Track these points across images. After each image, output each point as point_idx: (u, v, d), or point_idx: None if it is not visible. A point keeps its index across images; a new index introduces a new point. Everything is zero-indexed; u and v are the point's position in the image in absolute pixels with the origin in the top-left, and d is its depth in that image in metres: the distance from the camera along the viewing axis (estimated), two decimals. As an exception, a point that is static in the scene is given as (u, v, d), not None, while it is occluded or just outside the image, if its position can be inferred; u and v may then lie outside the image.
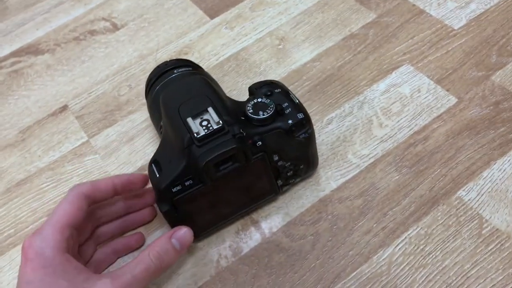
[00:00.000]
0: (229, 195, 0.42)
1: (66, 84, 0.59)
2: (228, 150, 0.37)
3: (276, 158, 0.41)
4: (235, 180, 0.40)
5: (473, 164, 0.46)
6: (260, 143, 0.39)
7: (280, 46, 0.58)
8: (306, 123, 0.41)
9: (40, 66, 0.62)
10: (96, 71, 0.60)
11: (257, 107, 0.40)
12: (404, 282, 0.40)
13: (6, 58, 0.64)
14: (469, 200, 0.44)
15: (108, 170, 0.50)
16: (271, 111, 0.40)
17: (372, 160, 0.47)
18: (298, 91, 0.53)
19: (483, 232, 0.42)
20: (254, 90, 0.42)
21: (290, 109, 0.41)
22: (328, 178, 0.47)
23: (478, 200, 0.43)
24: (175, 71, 0.47)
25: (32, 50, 0.64)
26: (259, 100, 0.41)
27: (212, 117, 0.38)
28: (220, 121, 0.37)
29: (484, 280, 0.39)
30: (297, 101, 0.42)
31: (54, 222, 0.36)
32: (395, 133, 0.49)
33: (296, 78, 0.55)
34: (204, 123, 0.38)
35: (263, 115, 0.40)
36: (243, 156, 0.38)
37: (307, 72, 0.55)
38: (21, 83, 0.61)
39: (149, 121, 0.54)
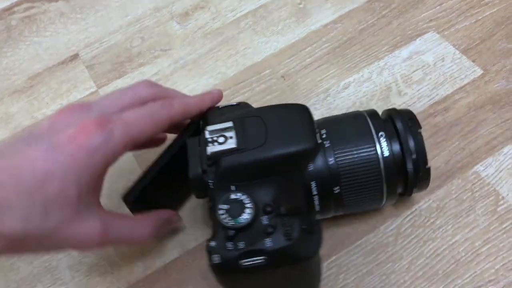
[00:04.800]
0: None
1: (78, 33, 0.58)
2: (188, 170, 0.33)
3: None
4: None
5: (494, 139, 0.43)
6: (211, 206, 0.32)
7: (301, 5, 0.56)
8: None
9: (54, 13, 0.61)
10: (110, 21, 0.58)
11: (231, 202, 0.30)
12: (411, 254, 0.38)
13: (19, 3, 0.62)
14: (486, 175, 0.42)
15: (115, 122, 0.49)
16: (235, 223, 0.29)
17: (387, 128, 0.45)
18: (316, 53, 0.51)
19: (499, 209, 0.40)
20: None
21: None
22: (340, 144, 0.45)
23: (496, 176, 0.41)
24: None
25: (46, -4, 0.63)
26: (242, 198, 0.30)
27: (227, 145, 0.32)
28: (213, 156, 0.32)
29: (495, 258, 0.37)
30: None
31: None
32: (414, 102, 0.46)
33: (315, 39, 0.52)
34: (221, 139, 0.32)
35: (224, 218, 0.29)
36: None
37: (327, 34, 0.53)
38: (33, 29, 0.59)
39: (160, 75, 0.52)
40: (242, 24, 0.55)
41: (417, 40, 0.51)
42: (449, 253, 0.38)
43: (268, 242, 0.29)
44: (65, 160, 0.29)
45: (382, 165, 0.33)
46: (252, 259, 0.28)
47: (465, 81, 0.47)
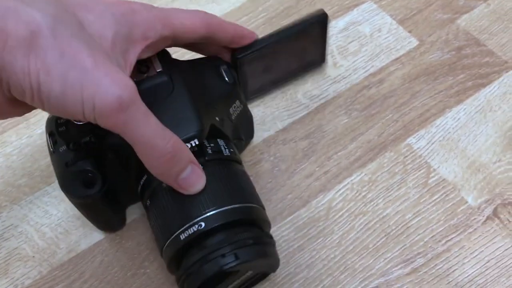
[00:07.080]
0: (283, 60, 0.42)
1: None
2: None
3: None
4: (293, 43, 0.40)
5: (427, 111, 0.43)
6: None
7: (237, -27, 0.53)
8: None
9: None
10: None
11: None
12: (342, 228, 0.38)
13: None
14: (418, 148, 0.41)
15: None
16: None
17: (322, 101, 0.44)
18: (251, 23, 0.49)
19: (429, 181, 0.40)
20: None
21: None
22: (275, 118, 0.44)
23: (428, 149, 0.41)
24: None
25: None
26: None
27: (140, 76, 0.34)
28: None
29: (424, 230, 0.38)
30: None
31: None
32: (350, 74, 0.46)
33: (251, 9, 0.50)
34: (144, 69, 0.34)
35: None
36: None
37: (264, 3, 0.51)
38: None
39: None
40: (175, -8, 0.52)
41: (354, 10, 0.50)
42: (379, 227, 0.38)
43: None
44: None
45: None
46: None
47: (401, 52, 0.47)
